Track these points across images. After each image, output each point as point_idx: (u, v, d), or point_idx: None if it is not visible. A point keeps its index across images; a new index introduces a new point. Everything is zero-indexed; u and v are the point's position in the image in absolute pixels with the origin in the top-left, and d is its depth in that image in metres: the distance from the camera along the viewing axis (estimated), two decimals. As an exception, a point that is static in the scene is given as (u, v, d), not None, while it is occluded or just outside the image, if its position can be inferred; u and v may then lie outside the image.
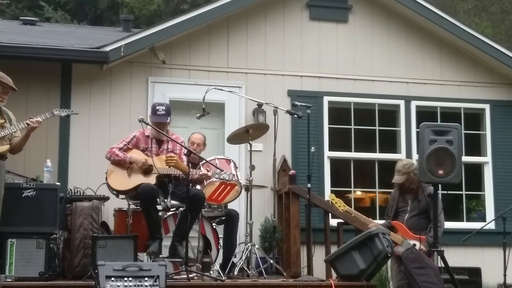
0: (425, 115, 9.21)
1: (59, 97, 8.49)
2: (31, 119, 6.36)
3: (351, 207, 8.62)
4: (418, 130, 6.96)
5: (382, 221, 7.10)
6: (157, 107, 6.89)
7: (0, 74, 6.34)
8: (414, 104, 9.46)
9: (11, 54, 8.14)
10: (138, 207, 6.81)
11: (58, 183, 7.03)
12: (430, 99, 9.52)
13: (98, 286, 5.35)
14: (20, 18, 12.22)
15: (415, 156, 8.81)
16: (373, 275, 6.52)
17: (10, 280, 5.87)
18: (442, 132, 6.32)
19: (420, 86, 9.55)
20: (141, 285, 5.40)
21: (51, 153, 8.03)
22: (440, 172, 6.23)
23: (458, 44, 9.63)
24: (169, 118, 6.88)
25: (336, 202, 6.96)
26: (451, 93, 9.61)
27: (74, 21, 18.13)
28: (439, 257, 6.25)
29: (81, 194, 7.40)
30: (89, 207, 6.88)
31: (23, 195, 6.55)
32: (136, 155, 6.81)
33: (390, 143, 9.45)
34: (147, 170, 6.72)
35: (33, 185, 6.71)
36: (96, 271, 5.45)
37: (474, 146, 9.61)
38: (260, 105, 8.62)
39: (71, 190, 7.54)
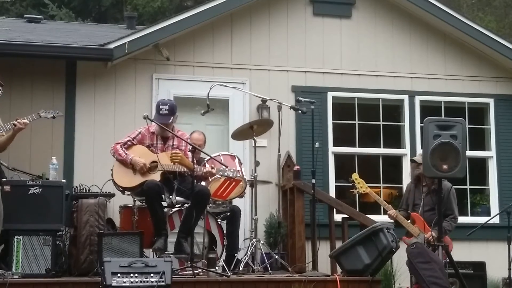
0: (429, 109, 9.20)
1: (64, 94, 8.52)
2: (18, 121, 6.35)
3: (355, 202, 8.68)
4: (422, 125, 6.98)
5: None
6: (161, 106, 6.83)
7: None
8: (418, 99, 9.45)
9: (16, 52, 8.18)
10: (144, 203, 6.84)
11: (64, 180, 7.06)
12: (434, 94, 9.52)
13: (104, 283, 5.39)
14: (25, 16, 12.24)
15: (419, 151, 8.82)
16: (378, 270, 6.56)
17: (17, 277, 5.91)
18: (446, 126, 6.32)
19: (424, 81, 9.55)
20: (147, 281, 5.44)
21: (57, 151, 8.04)
22: (444, 166, 6.24)
23: (462, 38, 9.62)
24: (172, 118, 6.82)
25: (358, 183, 7.01)
26: (455, 87, 9.61)
27: (78, 18, 18.14)
28: (443, 251, 6.28)
29: (87, 191, 7.42)
30: (95, 204, 6.91)
31: (29, 193, 6.58)
32: (139, 155, 6.79)
33: (394, 138, 9.46)
34: (151, 167, 6.73)
35: (39, 182, 6.73)
36: (102, 267, 5.49)
37: (479, 140, 9.62)
38: (264, 101, 8.61)
39: (76, 187, 7.56)
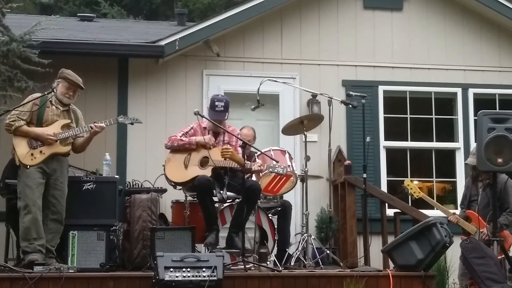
0: (483, 102, 9.04)
1: (116, 91, 8.65)
2: (95, 124, 6.48)
3: (408, 197, 8.56)
4: (476, 118, 6.86)
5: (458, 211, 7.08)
6: (216, 103, 6.82)
7: (67, 71, 6.50)
8: (471, 91, 9.30)
9: (69, 50, 8.34)
10: (195, 198, 6.89)
11: (117, 176, 7.15)
12: (488, 87, 9.35)
13: (157, 277, 5.44)
14: (78, 14, 12.46)
15: (473, 144, 8.67)
16: (431, 265, 6.45)
17: (72, 271, 6.00)
18: (501, 119, 6.20)
19: (478, 73, 9.38)
20: (199, 276, 5.46)
21: (110, 147, 8.18)
22: (499, 160, 6.13)
23: (517, 29, 9.43)
24: (227, 114, 6.86)
25: (411, 188, 6.97)
26: (510, 79, 9.42)
27: (130, 16, 18.39)
28: (499, 246, 6.17)
29: (139, 186, 7.52)
30: (148, 199, 7.00)
31: (84, 188, 6.69)
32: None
33: (447, 131, 9.32)
34: (203, 162, 6.77)
35: (93, 178, 6.85)
36: (155, 262, 5.54)
37: (535, 133, 9.38)
38: (314, 95, 8.61)
39: (129, 182, 7.67)
